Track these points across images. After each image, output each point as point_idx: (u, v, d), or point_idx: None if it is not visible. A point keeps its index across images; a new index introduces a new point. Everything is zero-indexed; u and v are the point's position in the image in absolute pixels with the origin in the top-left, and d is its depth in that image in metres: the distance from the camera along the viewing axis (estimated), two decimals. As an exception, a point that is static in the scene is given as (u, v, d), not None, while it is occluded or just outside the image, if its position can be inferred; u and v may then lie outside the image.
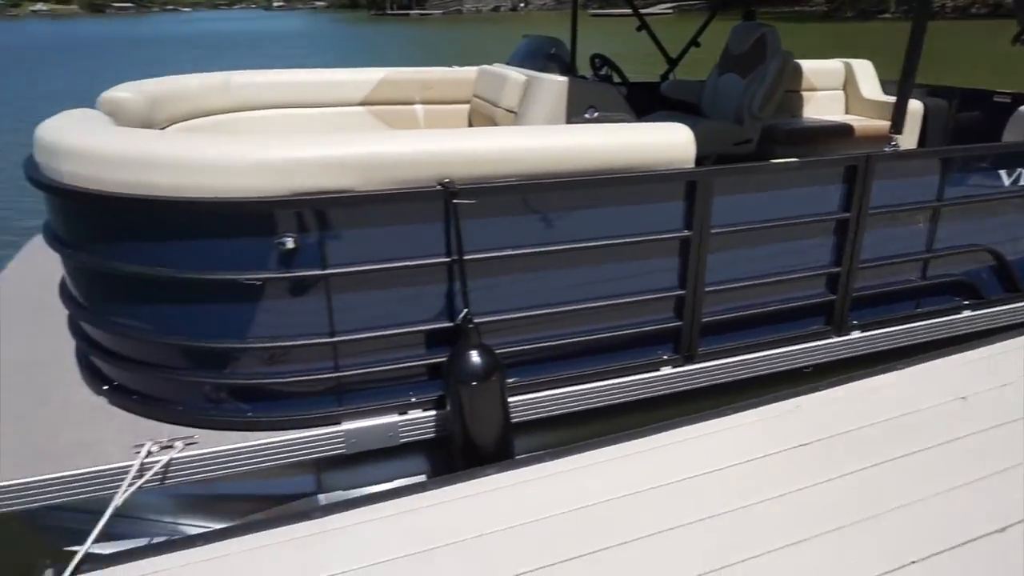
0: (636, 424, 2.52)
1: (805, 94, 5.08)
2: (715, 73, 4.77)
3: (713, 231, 2.64)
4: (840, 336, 3.06)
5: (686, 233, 2.61)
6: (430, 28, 54.95)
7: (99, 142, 2.12)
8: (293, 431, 2.33)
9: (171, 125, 3.42)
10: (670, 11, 54.63)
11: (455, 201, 2.18)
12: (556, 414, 2.62)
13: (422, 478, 2.64)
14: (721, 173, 2.60)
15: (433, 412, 2.46)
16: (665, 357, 2.79)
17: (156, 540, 2.41)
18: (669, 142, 2.49)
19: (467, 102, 4.48)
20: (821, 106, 5.12)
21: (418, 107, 4.38)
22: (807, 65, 5.05)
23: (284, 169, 2.06)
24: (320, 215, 2.13)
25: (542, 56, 4.26)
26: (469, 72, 4.45)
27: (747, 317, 2.90)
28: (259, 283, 2.15)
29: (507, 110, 3.81)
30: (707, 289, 2.72)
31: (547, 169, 2.33)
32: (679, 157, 2.51)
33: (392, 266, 2.25)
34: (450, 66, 4.56)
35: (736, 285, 2.81)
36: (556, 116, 3.57)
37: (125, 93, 3.02)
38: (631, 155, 2.44)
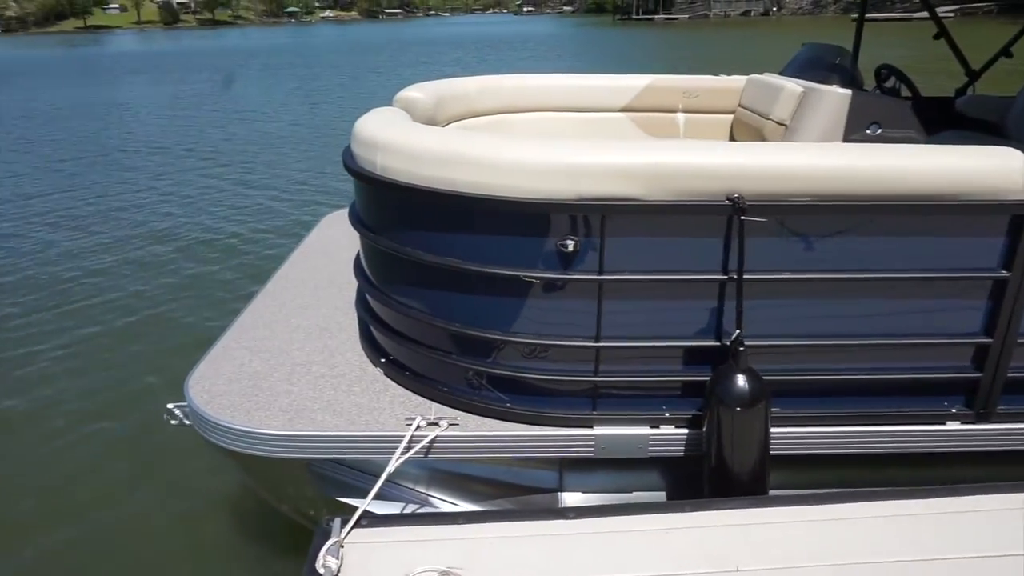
0: (896, 480, 2.24)
1: None
2: None
3: None
4: None
5: (1003, 274, 2.26)
6: (676, 33, 54.13)
7: (410, 139, 2.32)
8: (547, 427, 2.38)
9: (451, 123, 3.68)
10: (951, 15, 48.70)
11: (743, 218, 2.09)
12: (820, 453, 2.42)
13: (662, 495, 2.58)
14: None
15: (686, 430, 2.38)
16: (953, 411, 2.45)
17: (409, 507, 2.62)
18: (998, 169, 2.17)
19: (731, 112, 4.31)
20: None
21: (679, 115, 4.30)
22: None
23: (573, 174, 2.10)
24: (603, 221, 2.14)
25: (823, 67, 3.94)
26: (736, 81, 4.27)
27: None
28: (536, 281, 2.23)
29: (777, 122, 3.60)
30: (1020, 340, 2.35)
31: (845, 191, 2.14)
32: (1007, 187, 2.18)
33: (667, 278, 2.22)
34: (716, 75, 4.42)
35: None
36: (832, 132, 3.29)
37: (417, 93, 3.31)
38: (947, 182, 2.16)
